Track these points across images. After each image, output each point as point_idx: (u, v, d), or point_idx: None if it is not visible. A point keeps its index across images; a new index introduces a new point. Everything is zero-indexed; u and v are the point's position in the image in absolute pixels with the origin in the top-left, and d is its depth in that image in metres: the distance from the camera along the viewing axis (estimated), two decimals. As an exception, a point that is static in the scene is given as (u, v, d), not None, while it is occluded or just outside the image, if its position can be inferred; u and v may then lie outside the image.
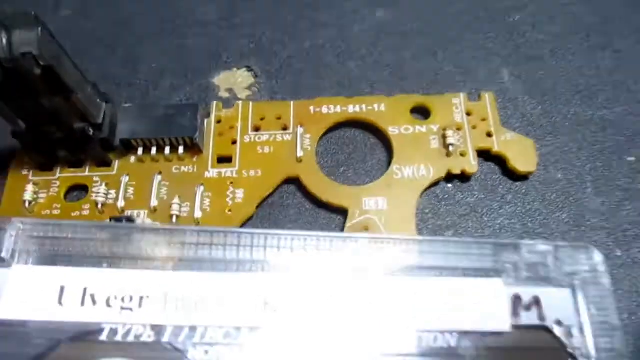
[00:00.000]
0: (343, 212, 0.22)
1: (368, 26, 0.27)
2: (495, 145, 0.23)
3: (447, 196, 0.23)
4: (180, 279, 0.16)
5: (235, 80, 0.26)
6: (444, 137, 0.23)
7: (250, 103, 0.24)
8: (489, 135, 0.23)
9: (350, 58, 0.26)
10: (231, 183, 0.23)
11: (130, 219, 0.19)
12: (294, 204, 0.23)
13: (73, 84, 0.20)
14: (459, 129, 0.23)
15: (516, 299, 0.17)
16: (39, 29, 0.18)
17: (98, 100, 0.22)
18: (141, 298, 0.16)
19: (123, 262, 0.16)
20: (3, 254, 0.16)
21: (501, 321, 0.17)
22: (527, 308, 0.17)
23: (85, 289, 0.16)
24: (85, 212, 0.22)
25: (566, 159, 0.23)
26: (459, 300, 0.17)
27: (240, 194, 0.22)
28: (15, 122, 0.21)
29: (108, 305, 0.15)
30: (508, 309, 0.17)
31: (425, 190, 0.22)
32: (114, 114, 0.23)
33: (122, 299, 0.15)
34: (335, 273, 0.17)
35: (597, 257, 0.18)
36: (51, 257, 0.16)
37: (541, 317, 0.17)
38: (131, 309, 0.15)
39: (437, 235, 0.22)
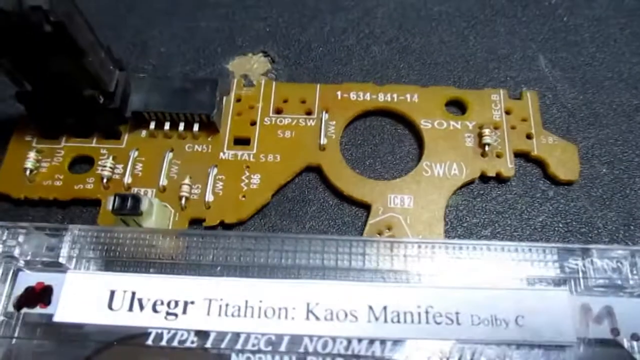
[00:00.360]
0: (366, 207, 0.20)
1: (393, 8, 0.26)
2: (535, 149, 0.21)
3: (483, 192, 0.21)
4: (223, 285, 0.16)
5: (251, 66, 0.24)
6: (480, 135, 0.21)
7: (273, 82, 0.23)
8: (529, 137, 0.21)
9: (375, 43, 0.25)
10: (247, 167, 0.21)
11: (136, 198, 0.18)
12: (316, 199, 0.21)
13: (85, 45, 0.18)
14: (496, 128, 0.21)
15: (585, 310, 0.16)
16: (53, -19, 0.16)
17: (111, 67, 0.20)
18: (186, 304, 0.16)
19: (170, 268, 0.17)
20: (60, 259, 0.17)
21: (566, 334, 0.15)
22: (598, 320, 0.15)
23: (133, 294, 0.16)
24: (89, 186, 0.21)
25: (611, 152, 0.21)
26: (519, 310, 0.15)
27: (256, 179, 0.21)
28: (21, 83, 0.20)
29: (154, 310, 0.16)
30: (574, 320, 0.15)
31: (456, 191, 0.21)
32: (127, 84, 0.21)
33: (168, 305, 0.16)
34: (389, 282, 0.16)
35: None
36: (104, 262, 0.17)
37: (614, 331, 0.15)
38: (176, 315, 0.16)
39: (473, 234, 0.20)
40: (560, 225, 0.20)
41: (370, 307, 0.16)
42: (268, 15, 0.26)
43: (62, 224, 0.17)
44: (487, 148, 0.21)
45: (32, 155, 0.21)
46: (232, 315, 0.15)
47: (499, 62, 0.24)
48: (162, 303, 0.16)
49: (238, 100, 0.22)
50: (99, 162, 0.21)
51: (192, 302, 0.16)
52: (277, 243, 0.17)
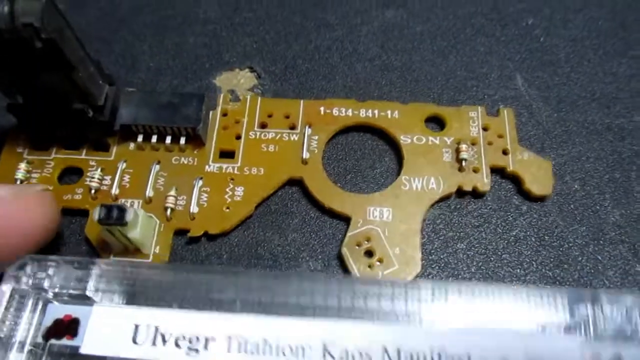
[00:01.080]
0: (346, 220, 0.21)
1: (376, 27, 0.26)
2: (510, 165, 0.22)
3: (459, 206, 0.22)
4: (244, 321, 0.16)
5: (238, 81, 0.25)
6: (458, 151, 0.22)
7: (259, 98, 0.23)
8: (505, 152, 0.22)
9: (358, 60, 0.25)
10: (231, 179, 0.22)
11: (121, 208, 0.18)
12: (298, 212, 0.22)
13: (75, 60, 0.19)
14: (473, 144, 0.22)
15: (595, 358, 0.16)
16: (44, 0, 0.17)
17: (101, 81, 0.21)
18: (207, 339, 0.16)
19: (192, 302, 0.17)
20: (88, 292, 0.17)
21: None
22: None
23: (156, 329, 0.16)
24: (78, 197, 0.21)
25: (583, 169, 0.22)
26: (530, 355, 0.16)
27: (240, 191, 0.21)
28: (13, 95, 0.20)
29: (177, 345, 0.16)
30: None
31: (433, 204, 0.21)
32: (117, 97, 0.22)
33: (190, 340, 0.16)
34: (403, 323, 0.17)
35: None
36: (129, 296, 0.17)
37: None
38: (197, 350, 0.16)
39: (449, 247, 0.21)
40: (533, 240, 0.21)
41: (385, 349, 0.16)
42: (255, 31, 0.26)
43: (90, 258, 0.18)
44: (464, 163, 0.21)
45: (22, 166, 0.22)
46: (252, 353, 0.16)
47: (477, 81, 0.24)
48: (184, 338, 0.16)
49: (224, 114, 0.23)
50: (88, 174, 0.22)
51: (214, 339, 0.16)
52: (294, 282, 0.17)
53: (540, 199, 0.22)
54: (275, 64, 0.25)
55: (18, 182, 0.21)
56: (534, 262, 0.20)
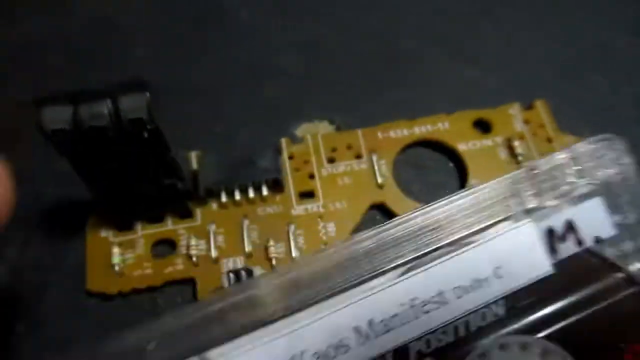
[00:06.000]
0: (432, 232, 0.23)
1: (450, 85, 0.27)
2: (558, 149, 0.24)
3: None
4: None
5: (317, 131, 0.25)
6: (510, 147, 0.24)
7: (319, 135, 0.25)
8: (549, 140, 0.25)
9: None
10: (319, 217, 0.23)
11: (249, 271, 0.19)
12: (388, 231, 0.23)
13: (169, 140, 0.20)
14: (521, 138, 0.24)
15: (550, 233, 0.16)
16: (147, 94, 0.18)
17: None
18: None
19: None
20: None
21: (541, 266, 0.15)
22: (562, 238, 0.16)
23: None
24: (179, 267, 0.22)
25: None
26: (496, 261, 0.15)
27: (331, 227, 0.23)
28: (101, 189, 0.21)
29: None
30: (544, 249, 0.15)
31: (505, 200, 0.23)
32: (191, 163, 0.23)
33: None
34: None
35: (619, 146, 0.17)
36: None
37: (579, 242, 0.16)
38: None
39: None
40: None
41: (357, 329, 0.15)
42: (333, 83, 0.27)
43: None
44: (520, 158, 0.24)
45: (116, 250, 0.22)
46: None
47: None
48: None
49: (290, 157, 0.24)
50: (181, 243, 0.22)
51: None
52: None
53: (588, 175, 0.24)
54: (353, 116, 0.26)
55: (115, 266, 0.22)
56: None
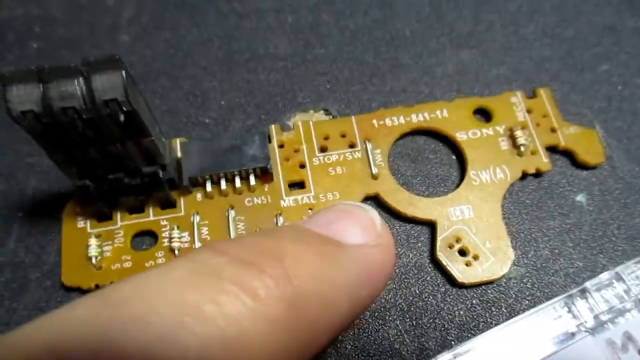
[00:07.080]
0: (428, 225, 0.22)
1: (451, 69, 0.26)
2: (562, 140, 0.23)
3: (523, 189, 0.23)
4: None
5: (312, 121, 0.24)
6: (512, 137, 0.23)
7: (310, 122, 0.23)
8: (553, 130, 0.23)
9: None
10: (310, 209, 0.22)
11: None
12: (382, 224, 0.22)
13: (149, 124, 0.18)
14: (523, 128, 0.23)
15: (610, 345, 0.17)
16: (123, 72, 0.16)
17: (164, 139, 0.20)
18: None
19: None
20: None
21: None
22: (624, 349, 0.16)
23: None
24: (160, 260, 0.21)
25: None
26: None
27: (323, 219, 0.21)
28: (78, 176, 0.19)
29: None
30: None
31: (505, 192, 0.22)
32: (175, 151, 0.21)
33: None
34: None
35: None
36: None
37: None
38: None
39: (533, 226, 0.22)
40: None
41: None
42: (328, 70, 0.26)
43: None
44: (522, 148, 0.23)
45: (93, 242, 0.21)
46: None
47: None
48: None
49: (280, 146, 0.23)
50: (164, 234, 0.21)
51: None
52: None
53: (594, 167, 0.23)
54: (349, 106, 0.25)
55: (92, 259, 0.20)
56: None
